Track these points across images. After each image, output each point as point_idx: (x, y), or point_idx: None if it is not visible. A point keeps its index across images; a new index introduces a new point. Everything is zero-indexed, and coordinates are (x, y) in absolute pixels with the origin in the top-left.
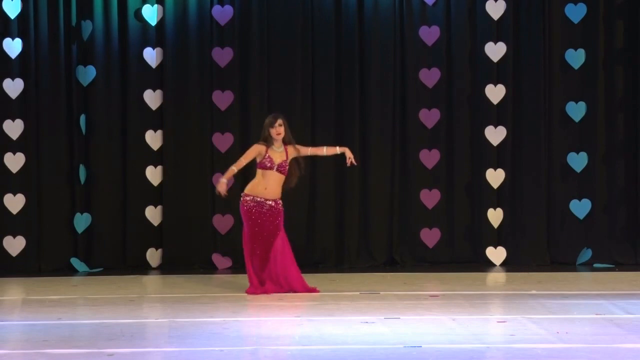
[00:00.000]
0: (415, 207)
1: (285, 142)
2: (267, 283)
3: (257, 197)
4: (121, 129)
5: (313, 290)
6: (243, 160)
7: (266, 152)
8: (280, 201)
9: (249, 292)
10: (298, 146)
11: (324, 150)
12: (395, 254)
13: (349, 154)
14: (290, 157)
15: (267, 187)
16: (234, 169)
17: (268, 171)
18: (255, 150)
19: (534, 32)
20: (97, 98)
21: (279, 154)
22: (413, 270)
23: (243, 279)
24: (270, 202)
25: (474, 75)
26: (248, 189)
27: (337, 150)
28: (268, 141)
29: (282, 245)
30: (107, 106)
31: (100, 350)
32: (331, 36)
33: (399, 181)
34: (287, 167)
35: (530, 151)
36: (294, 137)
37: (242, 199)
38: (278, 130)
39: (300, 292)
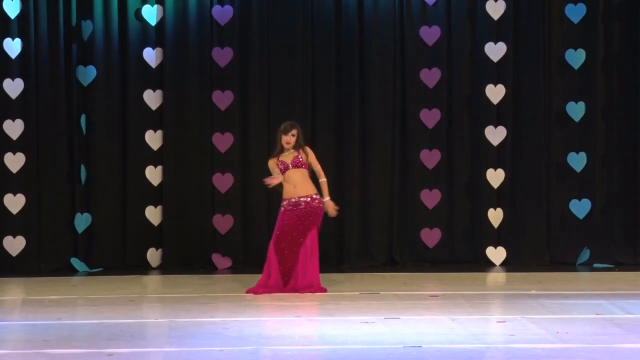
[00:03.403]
0: (416, 207)
1: (295, 148)
2: (289, 282)
3: (292, 198)
4: (121, 129)
5: (322, 290)
6: (274, 168)
7: (278, 160)
8: (318, 197)
9: (248, 291)
10: (308, 150)
11: (321, 182)
12: (395, 254)
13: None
14: (303, 154)
15: (296, 185)
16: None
17: (286, 173)
18: (272, 165)
19: (534, 32)
20: (97, 98)
21: (289, 155)
22: (413, 270)
23: (243, 279)
24: (306, 199)
25: (474, 75)
26: (284, 196)
27: (324, 196)
28: (277, 150)
29: (311, 245)
30: (107, 106)
31: (100, 350)
32: (331, 36)
33: (399, 181)
34: (304, 161)
35: (530, 151)
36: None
37: (281, 205)
38: (288, 139)
39: (314, 290)
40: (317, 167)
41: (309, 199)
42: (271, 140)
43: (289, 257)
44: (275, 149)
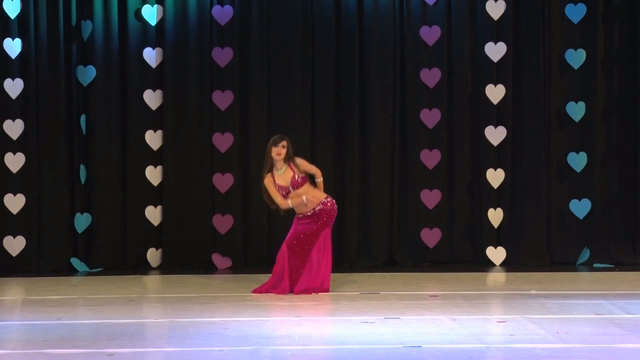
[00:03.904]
0: (416, 207)
1: (285, 161)
2: (296, 286)
3: (307, 213)
4: (121, 129)
5: (325, 290)
6: (277, 196)
7: (276, 184)
8: (328, 199)
9: (255, 291)
10: (298, 161)
11: (317, 182)
12: (395, 254)
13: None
14: (297, 170)
15: (306, 204)
16: (288, 203)
17: (290, 195)
18: (270, 185)
19: (534, 32)
20: (97, 98)
21: (284, 176)
22: (413, 270)
23: (243, 279)
24: (319, 206)
25: (474, 75)
26: (297, 211)
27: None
28: (269, 164)
29: (324, 244)
30: (107, 106)
31: (100, 350)
32: (331, 36)
33: (399, 181)
34: (301, 177)
35: (530, 151)
36: (295, 146)
37: (296, 216)
38: (279, 150)
39: (322, 290)
40: (313, 170)
41: (321, 205)
42: None
43: (300, 255)
44: (265, 164)
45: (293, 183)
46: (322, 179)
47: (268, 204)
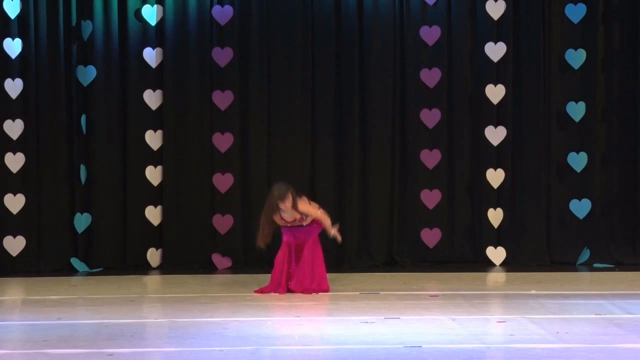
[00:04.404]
0: (416, 207)
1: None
2: (292, 281)
3: (300, 229)
4: (121, 129)
5: (325, 290)
6: (281, 222)
7: (281, 217)
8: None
9: (256, 291)
10: (302, 208)
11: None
12: (395, 254)
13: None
14: (303, 212)
15: (304, 223)
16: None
17: (290, 224)
18: (279, 221)
19: (534, 32)
20: (97, 98)
21: (291, 216)
22: (413, 270)
23: (243, 279)
24: (309, 220)
25: (474, 75)
26: None
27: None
28: (274, 209)
29: (313, 247)
30: (107, 106)
31: (100, 350)
32: (331, 36)
33: (399, 181)
34: (304, 216)
35: (530, 151)
36: (295, 146)
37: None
38: (286, 206)
39: (320, 291)
40: (318, 215)
41: (312, 220)
42: (271, 140)
43: (297, 250)
44: (271, 211)
45: (299, 220)
46: (329, 221)
47: (256, 241)
